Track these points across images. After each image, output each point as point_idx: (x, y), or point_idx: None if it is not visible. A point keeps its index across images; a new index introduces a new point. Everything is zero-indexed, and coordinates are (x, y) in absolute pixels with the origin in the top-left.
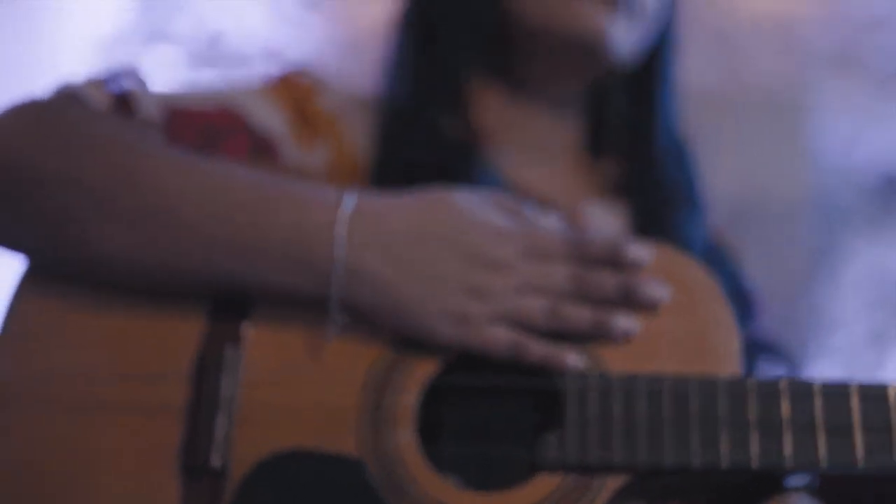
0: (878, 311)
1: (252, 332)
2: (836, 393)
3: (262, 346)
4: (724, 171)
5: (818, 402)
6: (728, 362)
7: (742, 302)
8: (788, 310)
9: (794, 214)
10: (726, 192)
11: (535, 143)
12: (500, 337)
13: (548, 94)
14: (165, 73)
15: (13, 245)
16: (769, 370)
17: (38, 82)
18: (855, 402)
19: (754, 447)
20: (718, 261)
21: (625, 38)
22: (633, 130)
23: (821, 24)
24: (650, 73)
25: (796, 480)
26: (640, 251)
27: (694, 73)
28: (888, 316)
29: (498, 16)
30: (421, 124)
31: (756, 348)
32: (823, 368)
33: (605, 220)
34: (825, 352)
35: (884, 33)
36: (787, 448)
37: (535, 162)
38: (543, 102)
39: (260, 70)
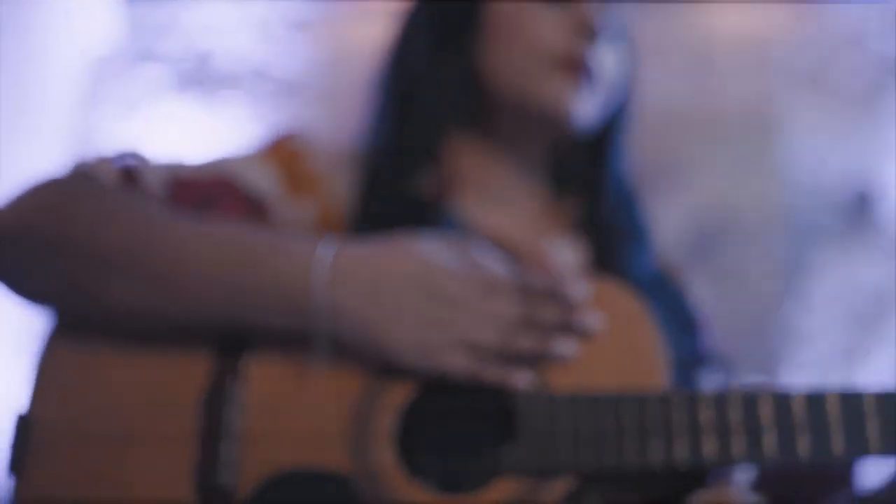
0: (848, 325)
1: (252, 367)
2: (751, 398)
3: (261, 378)
4: (698, 188)
5: (733, 408)
6: (655, 375)
7: (685, 323)
8: (760, 324)
9: (766, 231)
10: (700, 208)
11: (503, 189)
12: (458, 363)
13: (516, 149)
14: (154, 92)
15: (44, 302)
16: (709, 381)
17: (29, 103)
18: (765, 406)
19: (679, 450)
20: (664, 288)
21: (585, 110)
22: (588, 180)
23: (793, 45)
24: (606, 134)
25: (736, 476)
26: (576, 287)
27: (669, 93)
28: (858, 330)
29: (472, 80)
30: (394, 183)
31: (698, 362)
32: (795, 382)
33: (564, 255)
34: (797, 365)
35: (854, 54)
36: (708, 449)
37: (502, 205)
38: (512, 154)
39: (248, 89)
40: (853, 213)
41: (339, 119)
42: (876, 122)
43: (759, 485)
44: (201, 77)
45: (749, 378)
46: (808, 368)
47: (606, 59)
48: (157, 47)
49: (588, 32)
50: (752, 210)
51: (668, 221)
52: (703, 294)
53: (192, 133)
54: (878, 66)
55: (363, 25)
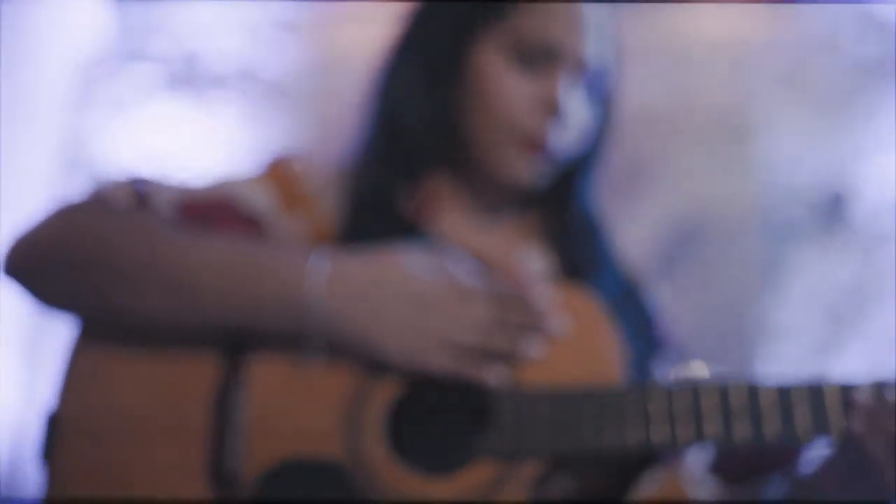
0: (823, 321)
1: (255, 367)
2: (696, 389)
3: (263, 377)
4: (676, 187)
5: (679, 399)
6: (612, 373)
7: (644, 325)
8: (737, 320)
9: (743, 229)
10: (679, 207)
11: (478, 208)
12: (439, 362)
13: (486, 185)
14: (144, 93)
15: (71, 310)
16: (663, 374)
17: (19, 103)
18: (705, 395)
19: (630, 435)
20: (627, 293)
21: (545, 173)
22: (557, 203)
23: (769, 48)
24: (575, 170)
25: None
26: (542, 293)
27: (647, 94)
28: (832, 326)
29: (450, 125)
30: (379, 204)
31: (654, 359)
32: (769, 375)
33: (533, 265)
34: (772, 360)
35: (829, 56)
36: (655, 435)
37: (476, 221)
38: (487, 183)
39: (236, 90)
40: (828, 212)
41: (326, 120)
42: (850, 124)
43: (715, 467)
44: (190, 77)
45: (723, 371)
46: (784, 363)
47: (581, 109)
48: (147, 48)
49: (552, 110)
50: (730, 209)
51: (647, 220)
52: (681, 290)
53: (181, 133)
54: (853, 68)
55: (351, 27)
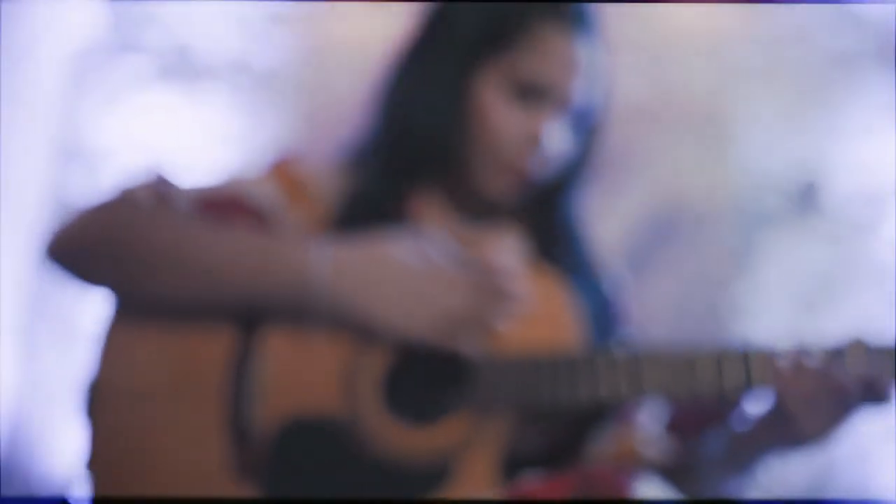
0: (795, 307)
1: (267, 339)
2: (630, 354)
3: (275, 346)
4: (653, 177)
5: (621, 360)
6: (571, 338)
7: (606, 305)
8: (713, 306)
9: (719, 218)
10: (656, 197)
11: (463, 218)
12: (426, 333)
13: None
14: (137, 84)
15: (109, 289)
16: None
17: (11, 95)
18: (648, 360)
19: (582, 392)
20: (593, 278)
21: (525, 194)
22: (539, 216)
23: (745, 41)
24: (556, 188)
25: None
26: (515, 273)
27: (625, 87)
28: (805, 312)
29: (445, 142)
30: (370, 207)
31: (611, 335)
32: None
33: (508, 248)
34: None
35: (803, 50)
36: (603, 390)
37: (461, 227)
38: (472, 197)
39: (228, 81)
40: (801, 201)
41: (316, 111)
42: (824, 114)
43: (670, 425)
44: (183, 68)
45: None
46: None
47: (563, 141)
48: (140, 39)
49: (535, 144)
50: (706, 198)
51: (623, 209)
52: (656, 277)
53: (173, 123)
54: (826, 61)
55: (341, 19)
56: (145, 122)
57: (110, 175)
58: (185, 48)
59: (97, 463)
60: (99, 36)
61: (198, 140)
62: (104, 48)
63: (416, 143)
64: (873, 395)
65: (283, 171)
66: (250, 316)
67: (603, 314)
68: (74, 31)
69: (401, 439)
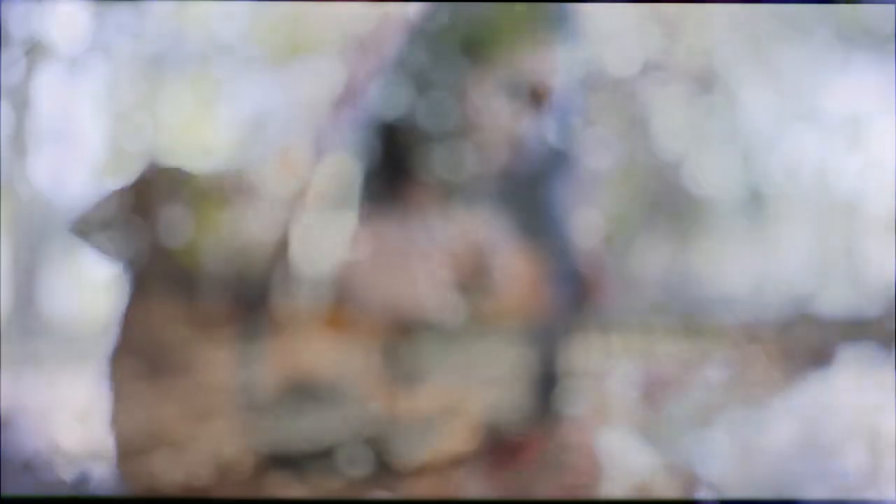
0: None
1: (274, 310)
2: None
3: (280, 318)
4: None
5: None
6: (543, 305)
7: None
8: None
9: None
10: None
11: (452, 189)
12: (416, 307)
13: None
14: (128, 71)
15: (128, 260)
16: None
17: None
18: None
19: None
20: (568, 255)
21: (513, 179)
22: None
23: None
24: (541, 176)
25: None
26: (493, 252)
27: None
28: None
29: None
30: (368, 193)
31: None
32: None
33: (487, 225)
34: None
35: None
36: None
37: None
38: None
39: (219, 68)
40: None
41: (305, 96)
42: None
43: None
44: (174, 56)
45: None
46: None
47: (547, 134)
48: (129, 27)
49: (518, 139)
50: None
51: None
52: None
53: (167, 109)
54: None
55: (328, 4)
56: (140, 108)
57: (109, 165)
58: (177, 35)
59: (117, 426)
60: (90, 24)
61: (192, 125)
62: (94, 37)
63: (409, 134)
64: None
65: (286, 159)
66: (261, 290)
67: (577, 287)
68: (70, 24)
69: (386, 398)
